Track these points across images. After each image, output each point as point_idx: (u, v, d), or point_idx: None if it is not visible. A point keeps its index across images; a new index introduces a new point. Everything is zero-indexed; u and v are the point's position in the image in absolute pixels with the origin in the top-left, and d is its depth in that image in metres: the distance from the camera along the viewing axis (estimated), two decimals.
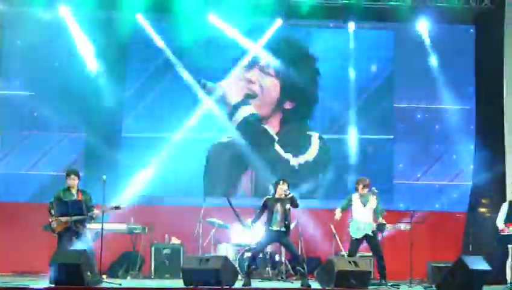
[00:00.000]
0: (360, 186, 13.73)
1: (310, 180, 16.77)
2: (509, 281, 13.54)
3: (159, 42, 16.80)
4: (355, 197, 13.78)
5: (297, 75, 17.02)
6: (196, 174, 16.74)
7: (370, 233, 13.45)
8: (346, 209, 13.80)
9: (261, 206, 13.31)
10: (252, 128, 17.11)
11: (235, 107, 17.15)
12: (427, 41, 17.06)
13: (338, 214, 13.70)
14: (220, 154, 16.97)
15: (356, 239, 13.60)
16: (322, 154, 17.13)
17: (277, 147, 17.13)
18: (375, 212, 13.60)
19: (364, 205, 13.62)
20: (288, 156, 17.11)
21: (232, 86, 17.16)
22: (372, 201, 13.65)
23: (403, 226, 13.94)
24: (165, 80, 17.01)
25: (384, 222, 13.48)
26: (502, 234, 13.85)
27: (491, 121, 16.15)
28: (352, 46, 17.15)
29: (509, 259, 13.65)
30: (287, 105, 17.28)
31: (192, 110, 16.85)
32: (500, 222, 13.97)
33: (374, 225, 13.46)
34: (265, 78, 17.31)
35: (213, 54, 16.77)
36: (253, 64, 17.24)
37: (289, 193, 12.96)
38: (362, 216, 13.57)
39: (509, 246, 13.73)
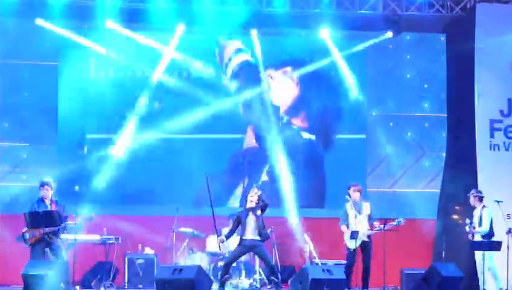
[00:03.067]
0: (351, 190, 13.68)
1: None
2: (481, 287, 13.60)
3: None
4: (348, 206, 13.69)
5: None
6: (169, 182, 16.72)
7: (366, 239, 13.43)
8: (347, 222, 13.71)
9: (234, 220, 13.32)
10: (248, 75, 17.15)
11: (230, 59, 17.20)
12: (399, 49, 17.19)
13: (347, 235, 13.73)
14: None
15: (354, 249, 13.56)
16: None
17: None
18: (370, 219, 13.59)
19: (360, 212, 13.56)
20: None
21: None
22: (366, 208, 13.62)
23: (396, 223, 13.71)
24: None
25: (367, 229, 13.47)
26: (473, 240, 13.91)
27: (462, 128, 16.26)
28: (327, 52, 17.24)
29: (482, 265, 13.69)
30: (297, 121, 17.32)
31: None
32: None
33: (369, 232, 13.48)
34: (284, 80, 17.38)
35: None
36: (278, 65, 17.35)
37: (258, 192, 13.04)
38: (358, 224, 13.48)
39: (480, 252, 13.78)
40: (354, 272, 13.59)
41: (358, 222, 13.52)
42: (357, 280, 13.57)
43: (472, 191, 14.28)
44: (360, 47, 17.12)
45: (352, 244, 13.51)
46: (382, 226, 13.51)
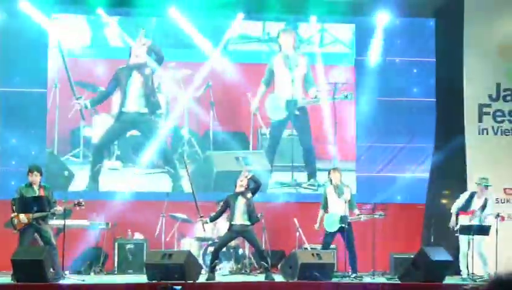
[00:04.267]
0: (331, 173, 13.80)
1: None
2: (467, 271, 13.62)
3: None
4: (329, 189, 13.80)
5: None
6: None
7: (345, 225, 13.45)
8: (327, 206, 13.82)
9: (222, 203, 13.34)
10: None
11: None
12: (388, 34, 17.17)
13: (318, 221, 13.78)
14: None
15: (330, 233, 13.62)
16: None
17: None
18: (350, 204, 13.64)
19: (339, 196, 13.62)
20: None
21: None
22: (347, 193, 13.66)
23: (377, 215, 13.82)
24: None
25: (346, 215, 13.52)
26: (462, 225, 13.91)
27: (451, 113, 16.29)
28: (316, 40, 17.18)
29: (467, 249, 13.72)
30: None
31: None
32: (454, 209, 14.08)
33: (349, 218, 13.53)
34: None
35: None
36: None
37: (249, 175, 13.12)
38: (337, 208, 13.55)
39: (468, 237, 13.79)
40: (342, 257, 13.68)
41: (337, 207, 13.58)
42: (345, 265, 13.63)
43: (480, 181, 14.13)
44: (350, 31, 17.09)
45: (329, 227, 13.59)
46: (361, 216, 13.62)
